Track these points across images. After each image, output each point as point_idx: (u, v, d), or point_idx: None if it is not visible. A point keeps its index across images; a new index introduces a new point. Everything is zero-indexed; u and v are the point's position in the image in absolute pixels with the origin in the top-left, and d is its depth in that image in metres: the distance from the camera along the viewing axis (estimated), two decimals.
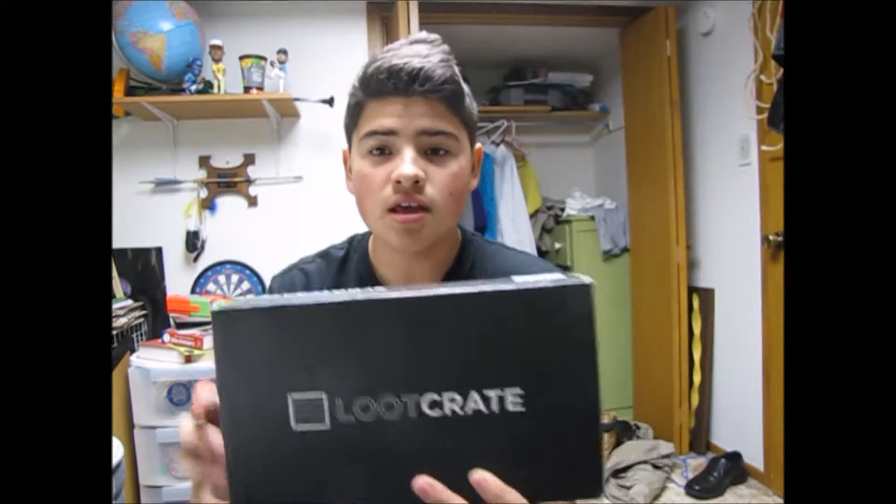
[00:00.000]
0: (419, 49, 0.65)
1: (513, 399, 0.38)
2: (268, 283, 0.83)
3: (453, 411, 0.38)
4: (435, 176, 0.65)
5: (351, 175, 0.72)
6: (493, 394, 0.38)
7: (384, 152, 0.66)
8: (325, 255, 0.81)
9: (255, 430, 0.39)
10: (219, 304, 0.40)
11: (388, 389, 0.38)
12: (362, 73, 0.67)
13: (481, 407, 0.38)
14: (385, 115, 0.65)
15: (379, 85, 0.64)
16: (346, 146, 0.75)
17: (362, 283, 0.75)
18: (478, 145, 0.75)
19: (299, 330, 0.39)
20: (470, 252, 0.77)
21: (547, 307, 0.38)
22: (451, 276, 0.75)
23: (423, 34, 0.68)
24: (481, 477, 0.38)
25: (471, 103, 0.70)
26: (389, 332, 0.38)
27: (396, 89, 0.63)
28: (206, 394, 0.42)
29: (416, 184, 0.64)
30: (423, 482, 0.38)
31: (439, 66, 0.64)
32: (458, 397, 0.38)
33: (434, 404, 0.38)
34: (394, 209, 0.65)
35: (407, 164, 0.63)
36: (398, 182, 0.63)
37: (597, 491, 0.39)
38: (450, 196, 0.66)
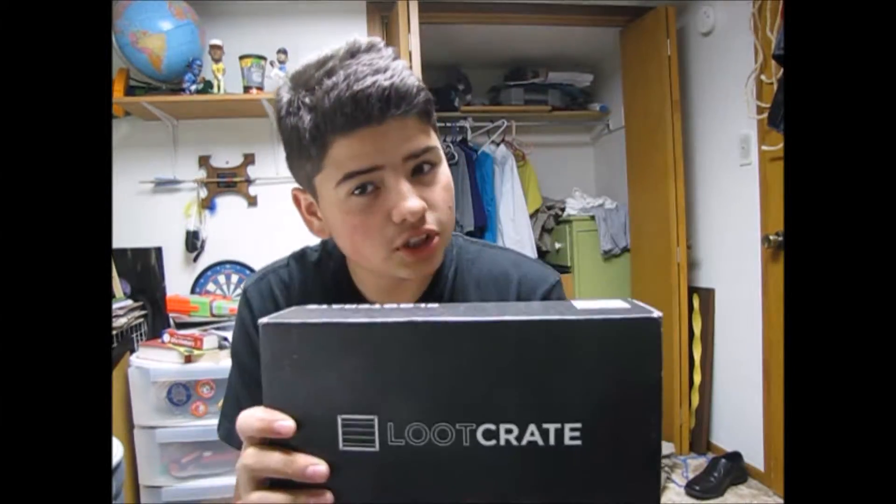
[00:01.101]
0: (373, 62, 0.56)
1: (570, 433, 0.37)
2: (259, 272, 0.78)
3: (507, 441, 0.37)
4: (433, 199, 0.60)
5: (318, 219, 0.67)
6: (551, 427, 0.37)
7: (366, 190, 0.58)
8: (299, 260, 0.76)
9: (302, 449, 0.39)
10: (268, 318, 0.39)
11: (443, 418, 0.37)
12: (311, 100, 0.57)
13: (538, 439, 0.37)
14: (363, 152, 0.56)
15: (344, 120, 0.55)
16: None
17: (340, 289, 0.72)
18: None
19: (352, 349, 0.38)
20: (452, 256, 0.73)
21: (612, 340, 0.36)
22: (435, 278, 0.71)
23: (364, 40, 0.59)
24: None
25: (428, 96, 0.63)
26: (448, 357, 0.37)
27: (368, 119, 0.55)
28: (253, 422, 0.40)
29: (422, 217, 0.59)
30: None
31: (408, 78, 0.57)
32: (515, 429, 0.37)
33: (490, 434, 0.37)
34: (404, 245, 0.60)
35: (411, 199, 0.57)
36: (403, 220, 0.58)
37: None
38: (450, 210, 0.63)
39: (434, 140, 0.62)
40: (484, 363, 0.37)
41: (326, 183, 0.60)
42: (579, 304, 0.40)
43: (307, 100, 0.57)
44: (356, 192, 0.58)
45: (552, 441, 0.37)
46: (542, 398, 0.36)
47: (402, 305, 0.42)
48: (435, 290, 0.71)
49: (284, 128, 0.61)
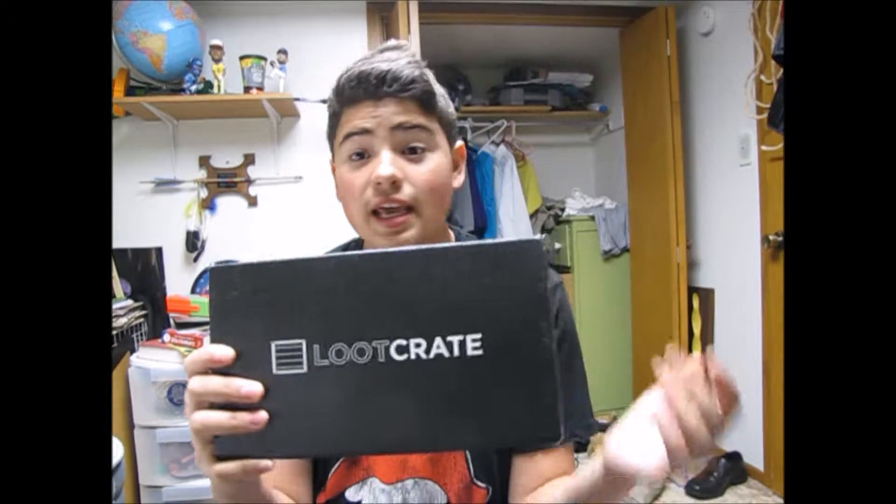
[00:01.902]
0: (388, 55, 0.68)
1: (472, 344, 0.42)
2: None
3: (418, 355, 0.42)
4: (413, 174, 0.67)
5: (336, 183, 0.75)
6: (455, 339, 0.42)
7: (363, 156, 0.68)
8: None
9: (241, 375, 0.43)
10: (214, 264, 0.45)
11: (360, 337, 0.42)
12: (335, 84, 0.70)
13: (444, 351, 0.42)
14: (359, 117, 0.67)
15: (351, 93, 0.67)
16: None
17: None
18: (459, 143, 0.76)
19: (283, 285, 0.43)
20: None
21: (503, 261, 0.42)
22: None
23: (392, 42, 0.71)
24: None
25: (446, 104, 0.72)
26: (362, 285, 0.43)
27: (367, 93, 0.66)
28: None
29: (395, 184, 0.65)
30: None
31: (406, 67, 0.66)
32: (423, 342, 0.42)
33: (401, 349, 0.42)
34: (377, 212, 0.67)
35: (384, 164, 0.65)
36: (378, 184, 0.65)
37: (554, 434, 0.42)
38: (431, 192, 0.68)
39: (430, 125, 0.68)
40: (394, 288, 0.43)
41: (338, 147, 0.70)
42: (482, 241, 0.46)
43: (336, 83, 0.70)
44: (354, 156, 0.68)
45: (456, 352, 0.42)
46: (446, 315, 0.42)
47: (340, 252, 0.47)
48: None
49: (327, 107, 0.74)
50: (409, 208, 0.67)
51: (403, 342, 0.42)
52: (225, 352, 0.44)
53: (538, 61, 3.49)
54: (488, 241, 0.44)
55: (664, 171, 2.66)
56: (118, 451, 1.32)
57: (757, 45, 2.24)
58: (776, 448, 2.27)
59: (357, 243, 0.83)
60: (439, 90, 0.71)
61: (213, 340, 0.44)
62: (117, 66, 2.11)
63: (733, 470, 2.35)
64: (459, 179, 0.76)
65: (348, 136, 0.68)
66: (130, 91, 2.16)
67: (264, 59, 2.21)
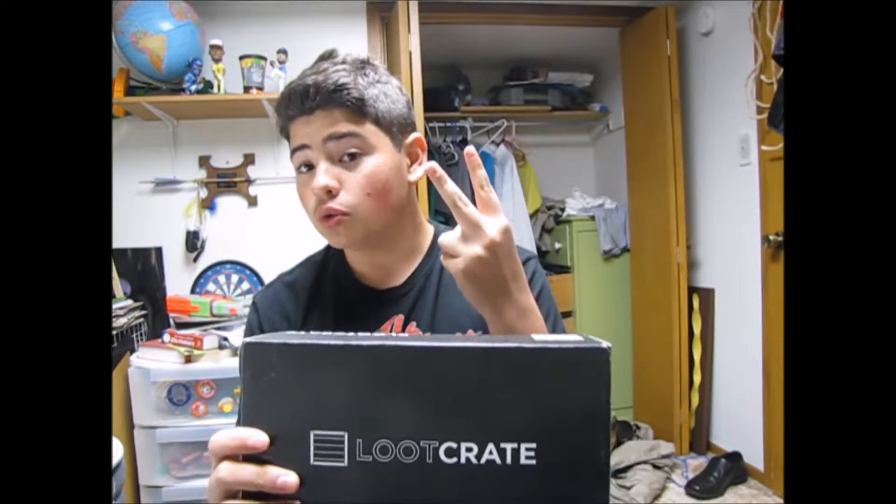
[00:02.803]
0: (318, 66, 0.72)
1: (526, 453, 0.39)
2: (267, 282, 0.86)
3: (468, 460, 0.40)
4: (348, 181, 0.71)
5: None
6: (508, 447, 0.40)
7: (310, 167, 0.73)
8: (304, 263, 0.86)
9: (275, 462, 0.41)
10: (250, 338, 0.42)
11: (408, 436, 0.40)
12: (277, 102, 0.75)
13: (496, 458, 0.40)
14: (297, 134, 0.72)
15: (286, 111, 0.73)
16: None
17: (340, 277, 0.82)
18: (414, 135, 0.78)
19: (325, 369, 0.40)
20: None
21: (565, 367, 0.40)
22: (424, 265, 0.81)
23: (329, 51, 0.75)
24: None
25: (389, 102, 0.74)
26: (414, 379, 0.40)
27: (299, 109, 0.71)
28: (223, 439, 0.43)
29: (329, 192, 0.70)
30: None
31: (331, 76, 0.70)
32: (475, 447, 0.40)
33: (451, 452, 0.40)
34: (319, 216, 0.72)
35: (319, 175, 0.70)
36: (315, 194, 0.70)
37: None
38: (367, 196, 0.71)
39: (366, 132, 0.72)
40: (447, 386, 0.40)
41: (292, 159, 0.75)
42: (537, 337, 0.43)
43: (277, 102, 0.75)
44: (302, 168, 0.74)
45: (509, 460, 0.39)
46: (500, 420, 0.40)
47: (377, 334, 0.45)
48: (423, 268, 0.81)
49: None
50: (345, 213, 0.71)
51: (454, 445, 0.40)
52: (260, 438, 0.41)
53: (538, 61, 3.48)
54: (551, 340, 0.42)
55: (664, 171, 2.66)
56: (118, 451, 1.32)
57: (757, 45, 2.24)
58: (776, 448, 2.27)
59: (328, 247, 0.85)
60: (380, 89, 0.73)
61: (245, 423, 0.41)
62: (117, 66, 2.11)
63: (733, 470, 2.35)
64: (418, 171, 0.78)
65: (293, 151, 0.73)
66: (130, 91, 2.16)
67: (264, 59, 2.21)
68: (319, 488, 0.40)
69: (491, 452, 0.40)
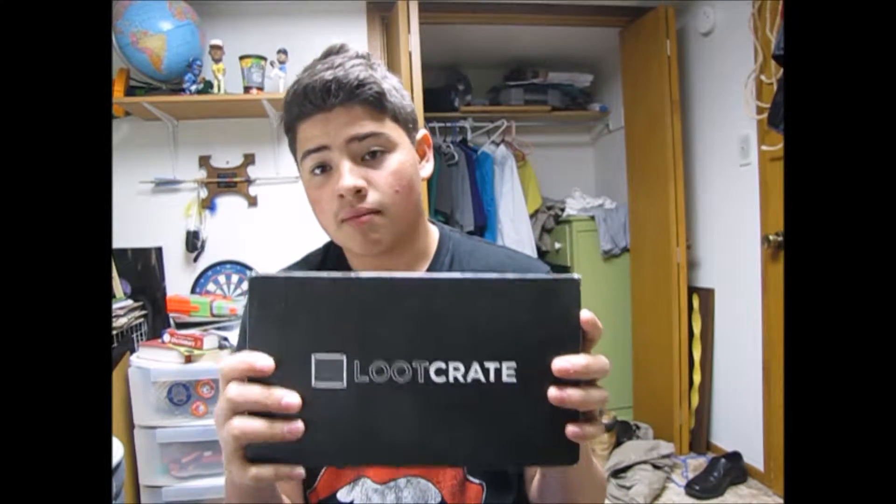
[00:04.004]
0: (331, 61, 0.68)
1: (507, 371, 0.44)
2: None
3: (456, 379, 0.44)
4: (376, 179, 0.68)
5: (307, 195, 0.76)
6: (491, 366, 0.44)
7: (325, 169, 0.69)
8: (304, 261, 0.84)
9: (279, 385, 0.44)
10: (257, 273, 0.45)
11: (401, 356, 0.44)
12: (285, 98, 0.70)
13: (480, 377, 0.44)
14: (314, 134, 0.68)
15: (300, 107, 0.68)
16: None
17: None
18: (422, 132, 0.77)
19: (325, 300, 0.44)
20: (448, 247, 0.79)
21: (542, 295, 0.44)
22: (431, 266, 0.78)
23: (338, 44, 0.71)
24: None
25: (400, 97, 0.72)
26: (406, 307, 0.44)
27: (316, 107, 0.67)
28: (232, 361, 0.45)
29: (359, 193, 0.67)
30: None
31: (352, 70, 0.66)
32: (461, 367, 0.44)
33: (440, 372, 0.44)
34: (345, 219, 0.68)
35: (345, 176, 0.66)
36: (341, 196, 0.67)
37: (572, 460, 0.46)
38: (396, 194, 0.69)
39: (387, 129, 0.69)
40: (437, 312, 0.44)
41: (300, 161, 0.71)
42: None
43: (285, 98, 0.71)
44: (315, 171, 0.69)
45: (492, 378, 0.44)
46: (484, 342, 0.44)
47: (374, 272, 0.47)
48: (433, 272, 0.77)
49: (283, 121, 0.73)
50: (377, 212, 0.68)
51: (443, 365, 0.44)
52: (266, 361, 0.43)
53: (538, 61, 3.48)
54: (530, 275, 0.46)
55: (664, 171, 2.66)
56: (118, 451, 1.32)
57: (757, 45, 2.24)
58: (776, 448, 2.27)
59: (327, 248, 0.83)
60: (391, 83, 0.71)
61: (252, 349, 0.44)
62: (117, 66, 2.11)
63: (733, 470, 2.35)
64: (428, 168, 0.77)
65: (307, 153, 0.69)
66: (130, 91, 2.16)
67: (264, 59, 2.21)
68: (320, 408, 0.44)
69: (476, 371, 0.44)
